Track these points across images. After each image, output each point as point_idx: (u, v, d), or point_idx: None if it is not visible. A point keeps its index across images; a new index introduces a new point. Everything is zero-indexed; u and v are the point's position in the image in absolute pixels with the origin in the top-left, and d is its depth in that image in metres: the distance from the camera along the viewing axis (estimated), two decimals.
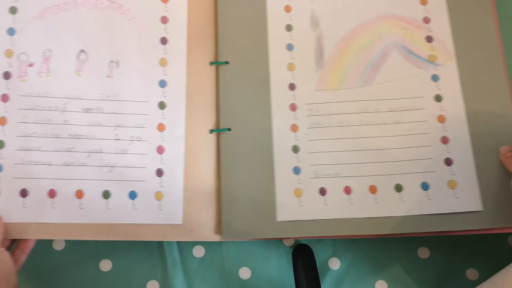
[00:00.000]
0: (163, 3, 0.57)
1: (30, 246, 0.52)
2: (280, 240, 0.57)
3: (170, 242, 0.56)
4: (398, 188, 0.54)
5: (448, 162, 0.54)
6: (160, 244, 0.56)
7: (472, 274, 0.56)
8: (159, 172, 0.53)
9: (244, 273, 0.56)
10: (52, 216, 0.51)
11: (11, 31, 0.55)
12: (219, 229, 0.53)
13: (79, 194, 0.52)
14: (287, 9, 0.59)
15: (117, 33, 0.56)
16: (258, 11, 0.59)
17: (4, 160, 0.52)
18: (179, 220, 0.53)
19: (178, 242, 0.56)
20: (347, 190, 0.54)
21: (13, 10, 0.55)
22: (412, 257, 0.57)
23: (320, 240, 0.57)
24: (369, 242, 0.57)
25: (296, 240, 0.57)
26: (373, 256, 0.57)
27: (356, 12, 0.59)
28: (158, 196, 0.53)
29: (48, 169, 0.52)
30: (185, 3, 0.57)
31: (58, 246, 0.57)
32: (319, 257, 0.56)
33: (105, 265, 0.56)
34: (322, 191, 0.54)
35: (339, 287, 0.56)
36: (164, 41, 0.56)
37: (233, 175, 0.54)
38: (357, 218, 0.53)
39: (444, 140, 0.55)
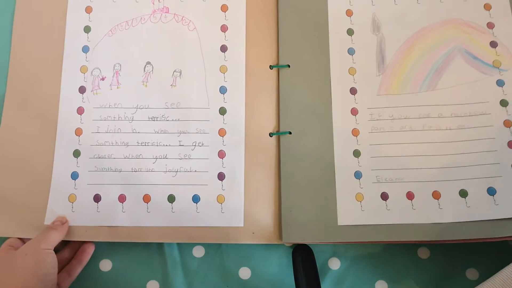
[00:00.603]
0: (223, 12, 0.59)
1: (87, 258, 0.55)
2: None
3: (170, 242, 0.56)
4: (463, 193, 0.52)
5: None
6: (160, 244, 0.56)
7: (472, 274, 0.55)
8: (221, 176, 0.55)
9: (244, 273, 0.55)
10: (122, 219, 0.54)
11: (85, 49, 0.59)
12: (279, 232, 0.53)
13: (146, 198, 0.54)
14: (349, 13, 0.59)
15: (180, 44, 0.58)
16: (319, 15, 0.59)
17: (79, 168, 0.56)
18: (240, 223, 0.53)
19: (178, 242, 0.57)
20: (410, 196, 0.53)
21: (87, 29, 0.59)
22: (412, 257, 0.55)
23: None
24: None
25: None
26: (373, 256, 0.56)
27: (418, 17, 0.58)
28: (220, 199, 0.54)
29: (118, 176, 0.55)
30: (243, 10, 0.59)
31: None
32: (319, 257, 0.55)
33: (105, 265, 0.56)
34: (384, 196, 0.53)
35: (339, 287, 0.55)
36: (224, 48, 0.58)
37: (293, 178, 0.54)
38: (420, 223, 0.52)
39: (511, 144, 0.53)
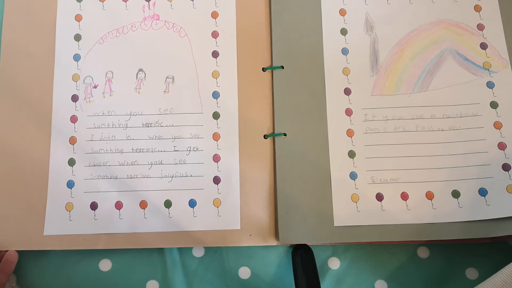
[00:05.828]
0: (213, 19, 0.59)
1: (11, 268, 0.53)
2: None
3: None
4: (456, 194, 0.53)
5: (506, 167, 0.53)
6: None
7: (472, 273, 0.55)
8: (216, 180, 0.55)
9: (244, 273, 0.56)
10: (120, 226, 0.54)
11: (76, 57, 0.59)
12: (276, 233, 0.54)
13: (143, 204, 0.55)
14: (342, 12, 0.59)
15: (171, 51, 0.59)
16: (312, 15, 0.59)
17: (75, 176, 0.56)
18: (237, 226, 0.54)
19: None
20: (404, 196, 0.54)
21: (77, 37, 0.59)
22: (412, 257, 0.56)
23: None
24: None
25: None
26: (373, 256, 0.56)
27: (410, 17, 0.59)
28: (216, 202, 0.55)
29: (114, 183, 0.55)
30: (233, 16, 0.59)
31: None
32: (319, 257, 0.55)
33: (105, 265, 0.56)
34: (379, 197, 0.54)
35: (339, 287, 0.55)
36: (215, 54, 0.58)
37: (289, 180, 0.54)
38: (415, 224, 0.53)
39: (501, 146, 0.54)
